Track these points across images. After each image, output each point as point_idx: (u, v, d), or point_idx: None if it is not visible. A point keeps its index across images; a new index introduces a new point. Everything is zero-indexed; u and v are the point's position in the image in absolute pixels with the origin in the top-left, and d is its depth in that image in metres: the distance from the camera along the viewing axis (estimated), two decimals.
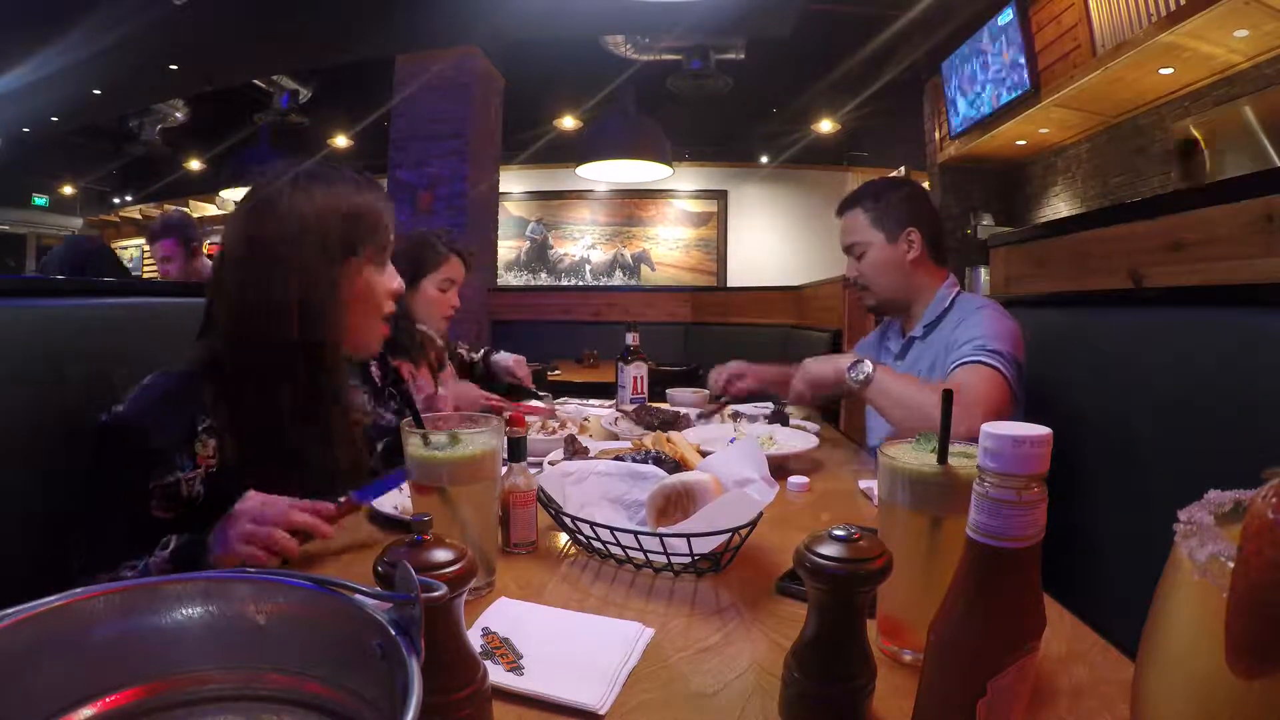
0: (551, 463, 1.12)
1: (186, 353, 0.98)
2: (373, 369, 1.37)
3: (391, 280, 1.09)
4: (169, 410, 0.91)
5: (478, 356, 2.25)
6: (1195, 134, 4.07)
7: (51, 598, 0.38)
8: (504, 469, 0.85)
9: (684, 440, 1.21)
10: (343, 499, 0.91)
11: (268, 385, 0.95)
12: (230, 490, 0.87)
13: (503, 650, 0.62)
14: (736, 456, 0.94)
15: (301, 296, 0.95)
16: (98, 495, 0.90)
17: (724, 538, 0.77)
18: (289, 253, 0.96)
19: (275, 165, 1.02)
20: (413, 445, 0.76)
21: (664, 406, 1.73)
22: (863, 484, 1.17)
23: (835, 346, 3.01)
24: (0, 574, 0.91)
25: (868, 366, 1.32)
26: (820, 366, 1.45)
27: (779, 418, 1.57)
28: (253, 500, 0.84)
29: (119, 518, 0.88)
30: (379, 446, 1.29)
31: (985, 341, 1.29)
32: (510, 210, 9.09)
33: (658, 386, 1.94)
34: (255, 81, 6.25)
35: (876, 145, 8.17)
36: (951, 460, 0.59)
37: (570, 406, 1.81)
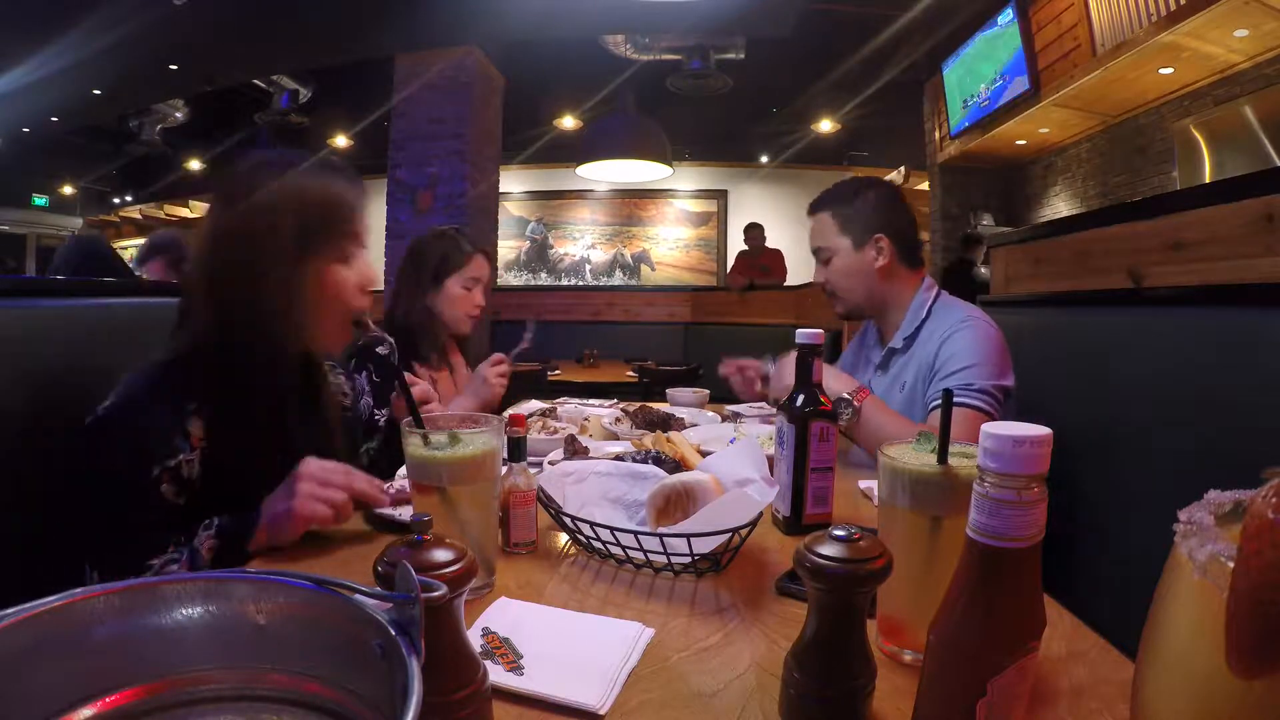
0: (551, 463, 1.12)
1: (168, 342, 0.97)
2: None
3: (365, 273, 1.02)
4: (156, 398, 0.91)
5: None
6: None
7: (51, 598, 0.38)
8: (504, 469, 0.85)
9: (684, 440, 1.21)
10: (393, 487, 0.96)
11: (237, 381, 0.94)
12: (225, 469, 0.90)
13: (503, 650, 0.62)
14: (736, 456, 0.94)
15: (258, 298, 0.93)
16: (97, 496, 0.88)
17: (724, 538, 0.77)
18: (246, 253, 0.93)
19: (254, 154, 1.01)
20: (413, 445, 0.76)
21: (661, 407, 1.71)
22: (863, 484, 1.17)
23: (835, 346, 3.01)
24: (0, 574, 0.91)
25: (849, 412, 1.25)
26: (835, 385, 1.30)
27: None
28: (313, 464, 0.90)
29: (124, 514, 0.87)
30: (371, 443, 1.29)
31: (974, 376, 1.26)
32: (510, 210, 9.10)
33: (658, 386, 1.93)
34: (255, 81, 6.26)
35: (876, 145, 8.19)
36: (951, 460, 0.59)
37: (570, 406, 1.80)
